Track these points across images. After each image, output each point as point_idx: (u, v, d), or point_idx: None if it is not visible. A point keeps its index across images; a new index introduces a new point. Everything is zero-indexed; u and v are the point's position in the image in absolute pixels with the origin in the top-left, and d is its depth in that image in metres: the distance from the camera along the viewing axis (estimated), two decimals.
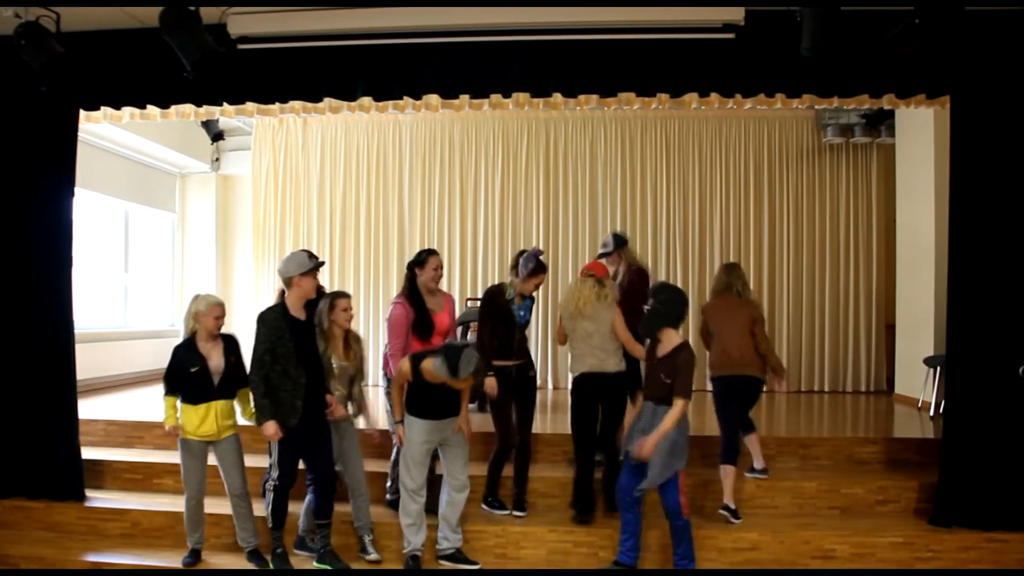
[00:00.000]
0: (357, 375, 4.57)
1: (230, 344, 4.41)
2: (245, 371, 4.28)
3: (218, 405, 4.30)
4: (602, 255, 5.22)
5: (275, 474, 4.22)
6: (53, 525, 4.86)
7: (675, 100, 4.98)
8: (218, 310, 4.35)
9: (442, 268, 4.88)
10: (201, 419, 4.27)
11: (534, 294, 4.93)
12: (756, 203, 8.81)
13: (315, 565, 4.29)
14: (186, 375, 4.27)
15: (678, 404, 4.02)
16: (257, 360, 4.10)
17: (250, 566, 4.32)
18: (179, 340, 4.42)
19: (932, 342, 6.96)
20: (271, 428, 4.09)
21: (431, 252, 4.81)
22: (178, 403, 4.32)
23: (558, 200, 9.03)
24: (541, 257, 4.76)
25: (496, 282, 5.18)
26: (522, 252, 4.83)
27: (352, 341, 4.59)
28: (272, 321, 4.13)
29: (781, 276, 8.80)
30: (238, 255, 9.99)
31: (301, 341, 4.17)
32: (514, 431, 4.74)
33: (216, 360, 4.31)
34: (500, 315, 4.74)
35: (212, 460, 4.40)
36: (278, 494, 4.22)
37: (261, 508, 4.42)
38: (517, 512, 4.77)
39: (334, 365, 4.45)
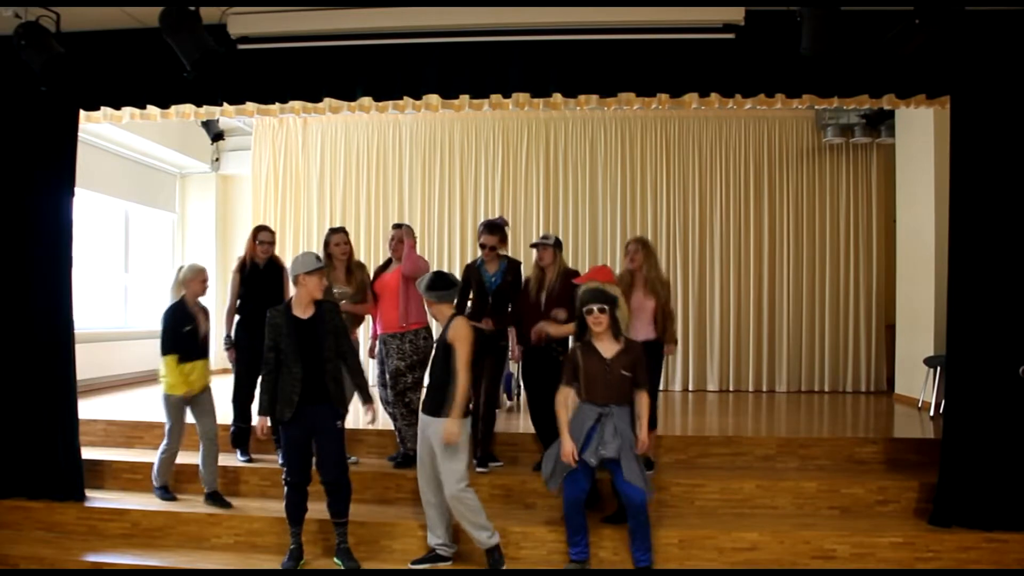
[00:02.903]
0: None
1: (205, 312, 5.05)
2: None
3: (200, 364, 4.94)
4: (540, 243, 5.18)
5: (285, 470, 4.28)
6: (53, 525, 4.86)
7: (675, 100, 4.99)
8: (203, 274, 5.01)
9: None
10: (188, 375, 4.82)
11: (506, 254, 5.25)
12: (756, 203, 8.82)
13: (335, 561, 4.31)
14: (180, 334, 4.81)
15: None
16: (264, 359, 4.26)
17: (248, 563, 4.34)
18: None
19: (932, 342, 6.97)
20: (263, 424, 4.25)
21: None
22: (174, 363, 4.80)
23: (558, 200, 9.03)
24: (499, 222, 5.22)
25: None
26: None
27: (354, 268, 5.34)
28: (271, 320, 4.26)
29: (781, 276, 8.81)
30: (238, 255, 9.88)
31: (301, 338, 4.20)
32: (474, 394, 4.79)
33: (204, 324, 4.98)
34: (472, 282, 5.19)
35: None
36: (288, 489, 4.25)
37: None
38: (481, 469, 5.04)
39: (335, 291, 5.05)
